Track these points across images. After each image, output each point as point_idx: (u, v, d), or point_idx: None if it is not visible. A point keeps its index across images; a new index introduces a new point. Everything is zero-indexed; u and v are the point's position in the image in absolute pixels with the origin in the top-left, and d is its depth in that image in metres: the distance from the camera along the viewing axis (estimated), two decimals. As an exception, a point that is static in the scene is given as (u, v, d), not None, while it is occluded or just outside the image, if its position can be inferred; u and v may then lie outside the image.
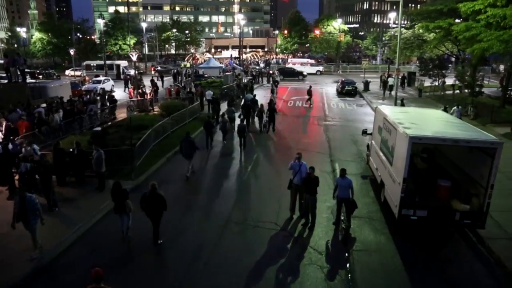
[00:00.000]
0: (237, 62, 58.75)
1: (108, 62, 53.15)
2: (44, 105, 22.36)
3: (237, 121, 20.36)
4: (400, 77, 39.61)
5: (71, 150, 13.76)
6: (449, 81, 41.03)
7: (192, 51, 42.51)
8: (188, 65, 49.77)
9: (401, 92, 34.75)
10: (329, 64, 65.39)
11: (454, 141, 9.93)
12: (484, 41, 21.17)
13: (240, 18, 55.15)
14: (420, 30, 37.67)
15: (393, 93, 32.92)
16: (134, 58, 26.09)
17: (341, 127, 23.04)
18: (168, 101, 25.10)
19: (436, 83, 38.56)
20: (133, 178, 13.97)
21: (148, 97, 26.63)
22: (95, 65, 51.96)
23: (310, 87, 30.93)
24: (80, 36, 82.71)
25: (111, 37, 66.74)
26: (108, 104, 24.88)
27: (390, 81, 32.57)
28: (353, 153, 18.03)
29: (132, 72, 50.00)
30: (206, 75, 42.00)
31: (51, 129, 18.55)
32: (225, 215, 11.51)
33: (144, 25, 65.19)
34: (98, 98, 24.96)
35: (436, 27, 27.96)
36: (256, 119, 22.32)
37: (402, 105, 22.71)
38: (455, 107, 21.44)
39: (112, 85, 39.81)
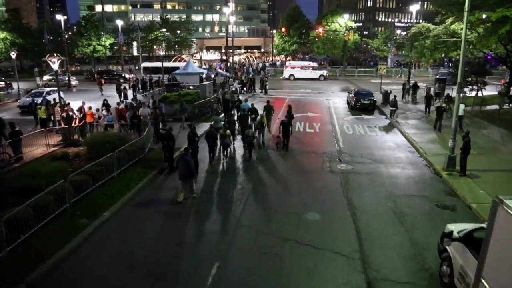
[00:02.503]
0: (227, 66, 49.97)
1: (170, 64, 44.42)
2: None
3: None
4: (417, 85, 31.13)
5: None
6: (490, 89, 32.78)
7: (161, 53, 33.49)
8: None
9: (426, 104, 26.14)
10: (334, 67, 56.67)
11: None
12: None
13: (228, 12, 46.39)
14: (454, 26, 29.16)
15: (429, 109, 24.04)
16: (55, 66, 17.44)
17: (368, 178, 14.39)
18: (98, 133, 16.34)
19: (475, 93, 30.17)
20: None
21: (77, 123, 18.02)
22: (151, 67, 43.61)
23: (290, 107, 20.92)
24: (66, 36, 74.46)
25: (83, 37, 58.00)
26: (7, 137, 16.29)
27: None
28: (405, 253, 9.40)
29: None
30: (182, 84, 33.34)
31: None
32: None
33: (120, 23, 56.74)
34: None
35: (499, 18, 19.35)
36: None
37: (467, 142, 14.01)
38: None
39: (61, 97, 31.21)
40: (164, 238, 10.14)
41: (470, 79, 29.80)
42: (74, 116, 18.45)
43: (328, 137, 20.27)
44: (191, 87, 32.43)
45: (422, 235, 10.12)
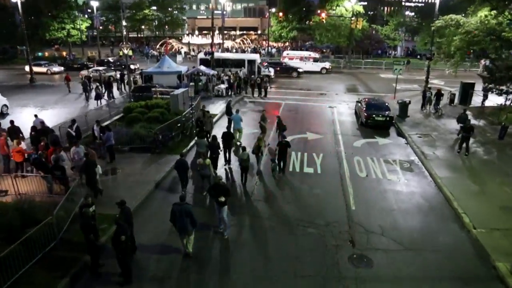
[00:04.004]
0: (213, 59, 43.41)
1: (236, 56, 37.90)
2: None
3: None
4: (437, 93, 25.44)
5: None
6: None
7: (126, 51, 26.93)
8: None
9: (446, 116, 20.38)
10: (337, 57, 50.40)
11: None
12: None
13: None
14: (491, 19, 23.21)
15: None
16: None
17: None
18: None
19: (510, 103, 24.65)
20: None
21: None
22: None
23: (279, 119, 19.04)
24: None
25: (54, 20, 51.34)
26: None
27: None
28: None
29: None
30: (154, 86, 27.44)
31: None
32: None
33: (95, 3, 50.05)
34: None
35: None
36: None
37: None
38: None
39: (5, 105, 25.47)
40: None
41: (505, 87, 24.30)
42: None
43: (333, 187, 14.81)
44: (168, 92, 26.56)
45: None
